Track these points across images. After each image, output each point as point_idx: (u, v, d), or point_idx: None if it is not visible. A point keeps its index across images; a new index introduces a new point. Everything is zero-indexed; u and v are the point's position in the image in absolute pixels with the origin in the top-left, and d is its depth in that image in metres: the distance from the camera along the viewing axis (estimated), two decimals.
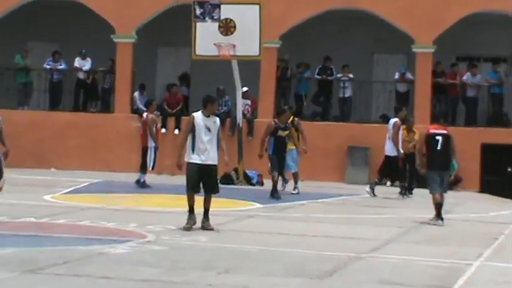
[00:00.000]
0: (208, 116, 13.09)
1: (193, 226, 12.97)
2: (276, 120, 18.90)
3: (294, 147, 20.01)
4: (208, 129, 12.99)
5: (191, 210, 13.04)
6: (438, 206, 14.99)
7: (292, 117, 20.28)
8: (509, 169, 25.44)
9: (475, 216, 16.68)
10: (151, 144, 20.45)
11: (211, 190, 13.20)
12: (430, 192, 15.14)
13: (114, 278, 9.04)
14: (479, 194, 23.66)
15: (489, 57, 27.48)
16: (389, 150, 20.51)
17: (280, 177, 19.76)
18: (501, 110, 26.33)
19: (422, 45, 25.49)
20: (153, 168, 20.69)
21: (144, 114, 21.19)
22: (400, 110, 21.31)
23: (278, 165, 18.69)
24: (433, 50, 25.49)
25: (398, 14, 25.49)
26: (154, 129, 20.57)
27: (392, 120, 20.80)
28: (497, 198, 22.60)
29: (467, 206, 19.47)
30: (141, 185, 20.40)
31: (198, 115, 13.07)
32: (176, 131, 25.07)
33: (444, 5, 25.42)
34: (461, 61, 27.34)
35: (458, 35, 25.83)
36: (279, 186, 19.59)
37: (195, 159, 12.94)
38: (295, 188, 20.13)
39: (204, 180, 12.99)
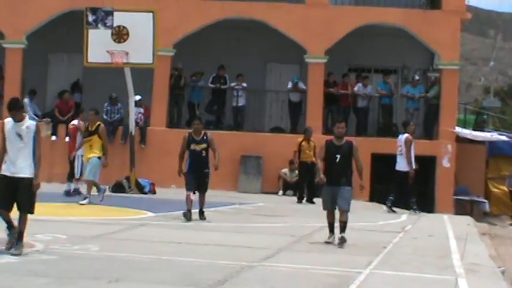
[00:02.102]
0: (19, 121, 10.98)
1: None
2: (190, 132, 16.51)
3: (94, 154, 18.67)
4: (20, 136, 10.92)
5: (8, 227, 11.15)
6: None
7: (98, 124, 18.97)
8: None
9: (365, 225, 16.92)
10: (79, 152, 20.04)
11: (23, 208, 11.07)
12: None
13: None
14: (369, 203, 24.05)
15: (380, 69, 28.05)
16: (402, 166, 20.37)
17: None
18: (391, 121, 26.86)
19: (314, 56, 25.82)
20: (80, 177, 20.31)
21: (75, 122, 20.80)
22: (408, 125, 21.17)
23: (195, 183, 16.19)
24: (325, 61, 25.84)
25: (291, 24, 25.76)
26: (80, 137, 20.03)
27: (403, 136, 20.61)
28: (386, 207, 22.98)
29: (357, 214, 19.70)
30: (68, 193, 20.19)
31: (8, 120, 11.09)
32: (67, 139, 24.69)
33: (336, 17, 25.82)
34: (352, 72, 27.83)
35: (350, 46, 26.29)
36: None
37: (4, 170, 10.96)
38: (99, 195, 18.81)
39: (16, 196, 10.97)
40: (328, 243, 13.56)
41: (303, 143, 22.47)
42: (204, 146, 16.25)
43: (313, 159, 21.98)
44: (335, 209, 13.70)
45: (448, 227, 18.02)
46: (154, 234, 14.03)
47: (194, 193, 16.21)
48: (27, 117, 11.03)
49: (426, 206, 23.99)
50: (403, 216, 20.22)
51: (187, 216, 15.93)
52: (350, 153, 13.59)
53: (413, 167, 20.52)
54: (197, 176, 16.15)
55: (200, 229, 15.10)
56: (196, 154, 16.16)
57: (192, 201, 16.15)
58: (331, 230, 13.81)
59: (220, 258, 11.43)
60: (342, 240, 13.39)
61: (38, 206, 17.53)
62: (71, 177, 20.57)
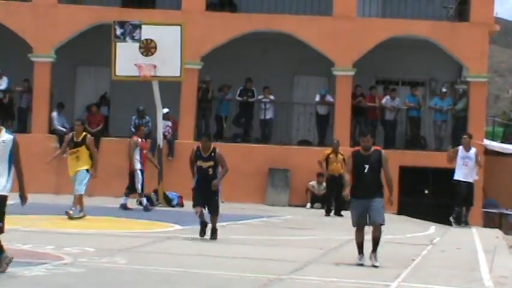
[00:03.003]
0: None
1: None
2: (199, 146, 15.14)
3: (81, 167, 17.98)
4: None
5: None
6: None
7: (85, 134, 18.26)
8: (426, 191, 25.84)
9: (393, 237, 16.84)
10: (137, 166, 20.54)
11: None
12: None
13: None
14: (397, 215, 23.95)
15: (407, 81, 27.96)
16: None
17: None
18: (418, 133, 26.75)
19: (342, 68, 25.79)
20: (142, 191, 20.82)
21: (135, 138, 21.08)
22: (463, 137, 21.75)
23: (203, 200, 14.93)
24: (353, 73, 25.80)
25: (318, 36, 25.75)
26: (137, 152, 20.47)
27: None
28: (414, 220, 22.90)
29: (385, 227, 19.62)
30: (124, 207, 20.55)
31: None
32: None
33: (364, 29, 25.79)
34: (380, 84, 27.76)
35: (378, 59, 26.23)
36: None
37: None
38: (76, 210, 17.98)
39: None
40: (359, 265, 12.41)
41: (331, 155, 22.42)
42: (211, 163, 14.81)
43: (341, 171, 21.88)
44: (366, 225, 12.54)
45: (476, 240, 17.89)
46: (181, 247, 14.04)
47: (204, 208, 14.98)
48: (3, 131, 10.32)
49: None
50: (431, 228, 20.11)
51: (201, 234, 14.90)
52: (379, 163, 12.60)
53: (455, 177, 20.93)
54: (205, 195, 14.89)
55: (228, 242, 15.09)
56: (202, 171, 14.85)
57: (203, 213, 14.97)
58: (361, 251, 12.62)
59: (249, 271, 11.41)
60: (375, 266, 12.34)
61: (67, 219, 17.68)
62: (129, 190, 20.88)
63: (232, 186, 24.72)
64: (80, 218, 17.88)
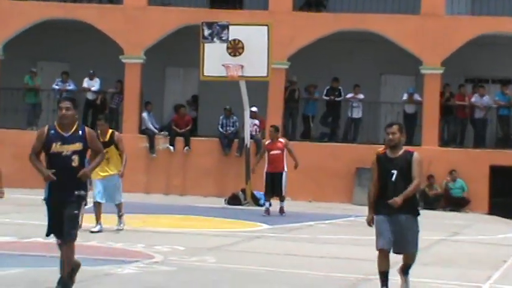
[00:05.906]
0: None
1: None
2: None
3: (112, 172, 15.29)
4: None
5: None
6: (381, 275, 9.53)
7: (112, 132, 15.41)
8: None
9: (484, 238, 16.61)
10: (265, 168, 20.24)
11: None
12: None
13: None
14: (488, 216, 23.59)
15: (497, 79, 27.49)
16: None
17: None
18: (510, 132, 26.26)
19: (430, 67, 25.51)
20: (265, 194, 20.62)
21: (283, 140, 20.77)
22: None
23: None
24: (441, 72, 25.50)
25: (406, 35, 25.52)
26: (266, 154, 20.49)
27: None
28: (505, 221, 22.51)
29: (476, 227, 19.40)
30: (266, 211, 19.98)
31: None
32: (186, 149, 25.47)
33: (452, 27, 25.46)
34: (469, 82, 27.35)
35: (467, 57, 25.85)
36: None
37: None
38: (120, 222, 15.35)
39: None
40: None
41: None
42: (76, 146, 9.07)
43: None
44: (390, 249, 9.45)
45: None
46: (269, 246, 14.12)
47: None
48: None
49: None
50: None
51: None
52: (410, 168, 9.53)
53: None
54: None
55: (316, 242, 15.12)
56: (60, 160, 9.10)
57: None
58: (384, 283, 9.48)
59: (336, 271, 11.42)
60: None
61: (158, 218, 17.93)
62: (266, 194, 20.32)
63: (320, 186, 24.75)
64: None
